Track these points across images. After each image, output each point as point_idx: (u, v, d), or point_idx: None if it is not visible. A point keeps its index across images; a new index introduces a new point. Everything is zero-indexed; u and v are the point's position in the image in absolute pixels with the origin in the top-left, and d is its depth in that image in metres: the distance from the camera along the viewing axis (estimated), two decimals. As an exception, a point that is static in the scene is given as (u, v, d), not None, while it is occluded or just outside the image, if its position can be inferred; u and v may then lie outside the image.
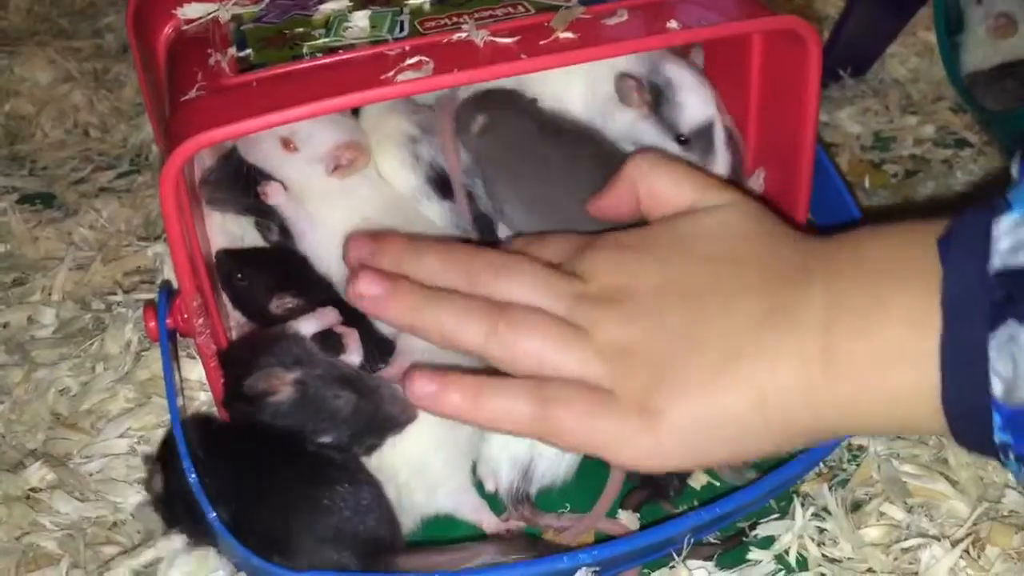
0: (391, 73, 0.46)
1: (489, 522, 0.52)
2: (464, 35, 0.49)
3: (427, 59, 0.47)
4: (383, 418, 0.49)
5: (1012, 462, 0.33)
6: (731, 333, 0.39)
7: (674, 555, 0.49)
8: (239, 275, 0.56)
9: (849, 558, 0.50)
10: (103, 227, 0.77)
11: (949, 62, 0.77)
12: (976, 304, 0.33)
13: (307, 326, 0.52)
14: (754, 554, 0.51)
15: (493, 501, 0.53)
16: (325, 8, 0.55)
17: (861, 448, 0.56)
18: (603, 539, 0.51)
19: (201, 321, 0.50)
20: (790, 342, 0.37)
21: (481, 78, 0.48)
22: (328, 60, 0.49)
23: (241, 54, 0.51)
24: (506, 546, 0.49)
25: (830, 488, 0.52)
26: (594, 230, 0.48)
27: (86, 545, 0.52)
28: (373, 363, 0.52)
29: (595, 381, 0.40)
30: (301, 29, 0.53)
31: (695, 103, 0.56)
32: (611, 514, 0.52)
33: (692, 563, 0.49)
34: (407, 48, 0.49)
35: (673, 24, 0.49)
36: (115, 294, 0.70)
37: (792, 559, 0.50)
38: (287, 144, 0.55)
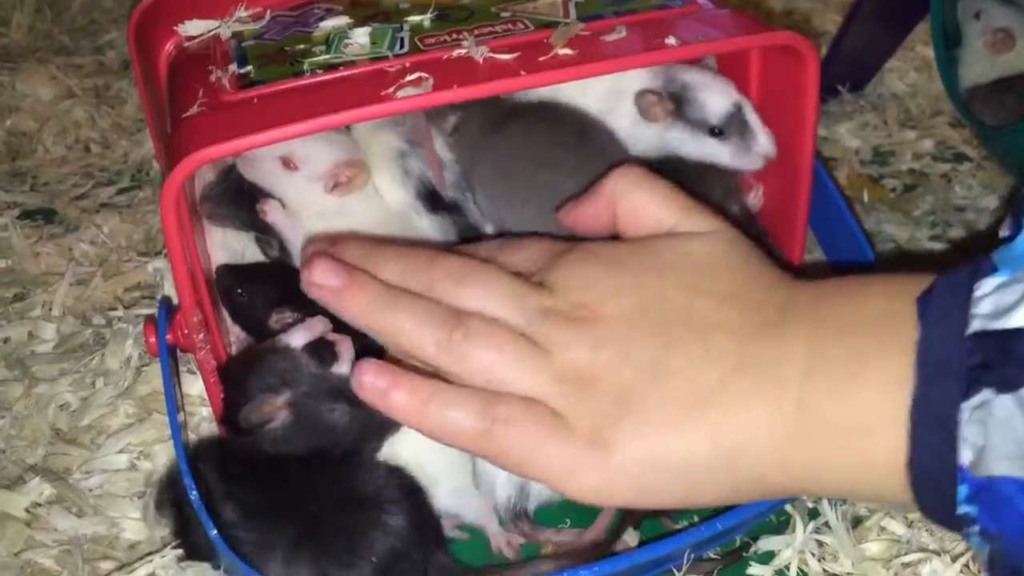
0: (391, 89, 0.47)
1: (493, 529, 0.52)
2: (464, 51, 0.50)
3: (427, 75, 0.47)
4: (381, 421, 0.49)
5: (975, 536, 0.32)
6: (701, 373, 0.36)
7: (674, 571, 0.49)
8: (239, 290, 0.56)
9: (849, 573, 0.50)
10: (104, 242, 0.77)
11: (947, 77, 0.78)
12: (951, 368, 0.31)
13: (297, 338, 0.51)
14: (754, 569, 0.50)
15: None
16: (326, 25, 0.55)
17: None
18: (604, 555, 0.50)
19: (201, 336, 0.51)
20: (764, 393, 0.35)
21: (481, 94, 0.48)
22: (329, 77, 0.49)
23: (242, 71, 0.51)
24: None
25: (830, 503, 0.52)
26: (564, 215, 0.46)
27: (84, 561, 0.52)
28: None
29: (549, 404, 0.37)
30: (302, 46, 0.53)
31: (716, 93, 0.57)
32: (612, 530, 0.52)
33: (693, 578, 0.49)
34: (407, 64, 0.49)
35: (671, 40, 0.50)
36: (116, 309, 0.70)
37: (792, 574, 0.50)
38: (287, 163, 0.56)
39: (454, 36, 0.52)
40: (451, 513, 0.53)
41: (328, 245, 0.43)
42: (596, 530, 0.52)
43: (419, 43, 0.52)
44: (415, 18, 0.55)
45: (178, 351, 0.56)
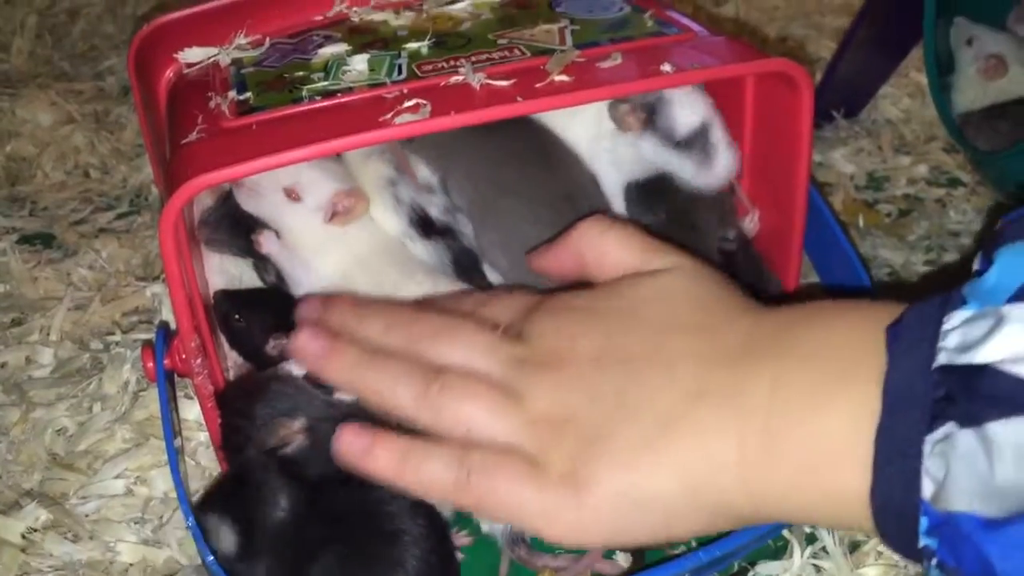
0: (389, 115, 0.47)
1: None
2: (461, 78, 0.50)
3: (424, 102, 0.48)
4: None
5: (935, 569, 0.31)
6: (668, 404, 0.37)
7: (672, 596, 0.49)
8: (236, 316, 0.56)
9: (848, 598, 0.50)
10: (102, 267, 0.78)
11: (940, 103, 0.78)
12: (916, 400, 0.31)
13: (300, 366, 0.51)
14: (753, 595, 0.50)
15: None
16: (324, 52, 0.56)
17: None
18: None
19: (199, 361, 0.51)
20: (729, 423, 0.35)
21: (478, 120, 0.48)
22: (327, 103, 0.50)
23: (241, 97, 0.51)
24: None
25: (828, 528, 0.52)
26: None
27: (80, 587, 0.52)
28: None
29: (525, 451, 0.38)
30: (300, 73, 0.53)
31: (686, 109, 0.58)
32: (608, 555, 0.52)
33: (691, 604, 0.49)
34: (405, 91, 0.49)
35: (667, 67, 0.50)
36: (113, 334, 0.70)
37: (791, 599, 0.50)
38: (291, 194, 0.56)
39: (451, 63, 0.52)
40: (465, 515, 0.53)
41: (318, 306, 0.45)
42: (593, 555, 0.51)
43: (417, 70, 0.52)
44: (413, 45, 0.55)
45: (176, 376, 0.56)
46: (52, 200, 0.88)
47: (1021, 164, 0.70)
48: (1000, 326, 0.30)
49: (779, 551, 0.52)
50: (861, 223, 0.80)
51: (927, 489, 0.31)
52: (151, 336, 0.69)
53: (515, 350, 0.41)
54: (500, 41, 0.55)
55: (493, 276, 0.59)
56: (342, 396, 0.51)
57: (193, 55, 0.57)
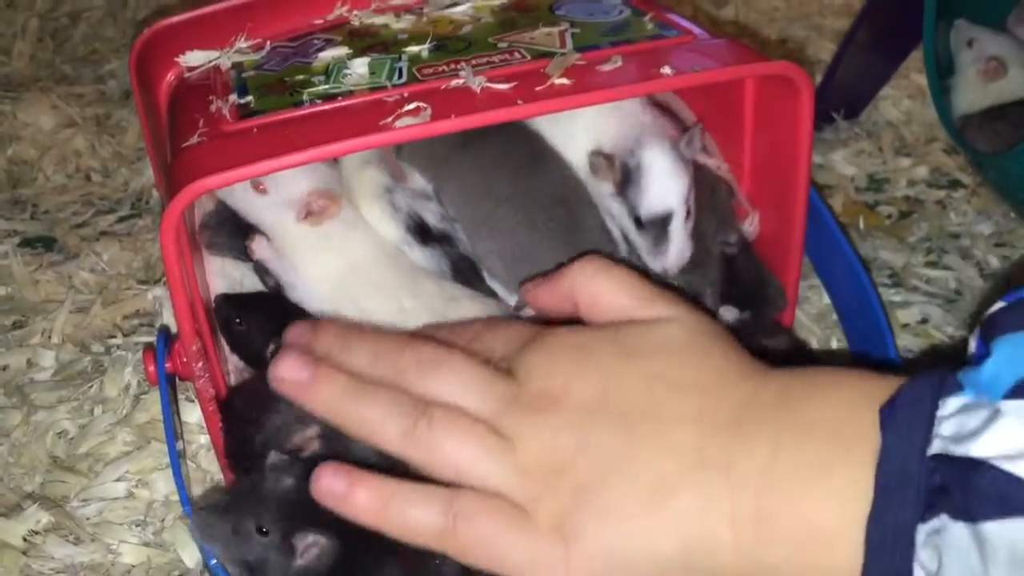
0: (390, 119, 0.47)
1: None
2: (461, 81, 0.50)
3: (425, 105, 0.48)
4: None
5: None
6: (662, 468, 0.36)
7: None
8: (237, 320, 0.56)
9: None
10: (103, 270, 0.78)
11: (940, 105, 0.78)
12: (910, 487, 0.31)
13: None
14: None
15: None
16: (325, 56, 0.56)
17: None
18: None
19: (200, 365, 0.51)
20: (724, 493, 0.35)
21: (478, 123, 0.48)
22: (328, 107, 0.50)
23: (242, 101, 0.51)
24: None
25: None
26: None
27: (81, 590, 0.52)
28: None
29: (512, 497, 0.37)
30: (301, 76, 0.53)
31: (657, 192, 0.56)
32: None
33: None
34: (405, 94, 0.50)
35: (667, 70, 0.50)
36: (115, 337, 0.71)
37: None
38: (256, 186, 0.56)
39: (452, 66, 0.52)
40: None
41: (307, 330, 0.44)
42: None
43: (417, 73, 0.52)
44: (413, 48, 0.55)
45: (177, 379, 0.56)
46: (53, 203, 0.88)
47: (1021, 166, 0.70)
48: (996, 420, 0.30)
49: None
50: (861, 225, 0.80)
51: None
52: (152, 339, 0.69)
53: (506, 387, 0.39)
54: (500, 44, 0.55)
55: (493, 282, 0.59)
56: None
57: (194, 59, 0.57)
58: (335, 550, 0.45)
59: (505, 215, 0.56)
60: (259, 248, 0.57)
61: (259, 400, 0.51)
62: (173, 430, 0.53)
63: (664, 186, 0.56)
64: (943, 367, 0.33)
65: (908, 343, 0.68)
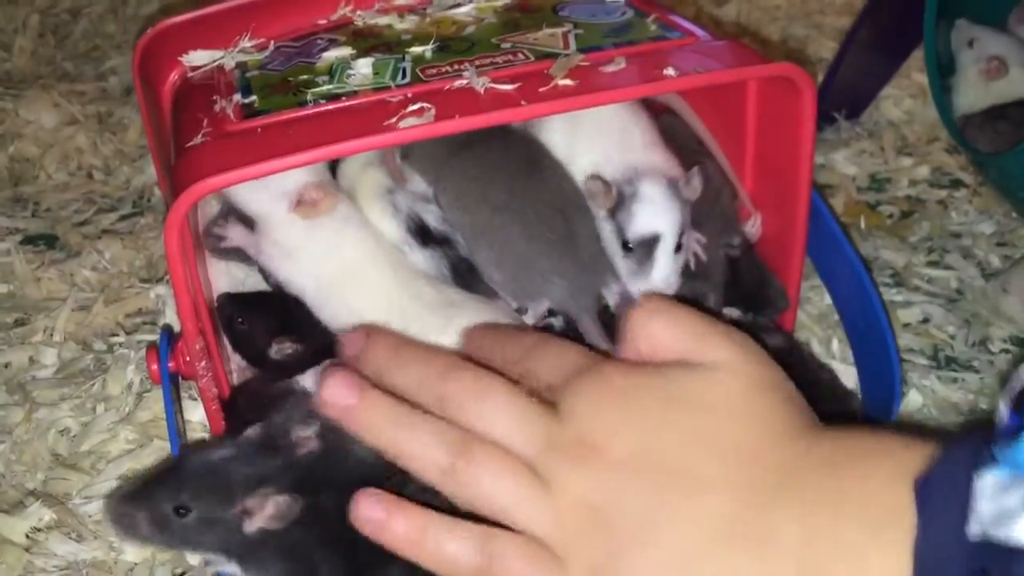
0: (394, 119, 0.47)
1: None
2: (465, 82, 0.50)
3: (429, 105, 0.48)
4: None
5: None
6: (695, 539, 0.35)
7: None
8: (240, 319, 0.56)
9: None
10: (105, 268, 0.78)
11: (941, 104, 0.79)
12: (950, 570, 0.30)
13: (312, 381, 0.51)
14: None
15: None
16: (329, 56, 0.56)
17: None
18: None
19: (203, 364, 0.51)
20: (757, 568, 0.34)
21: (482, 124, 0.48)
22: (331, 107, 0.50)
23: (246, 101, 0.52)
24: None
25: None
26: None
27: (83, 587, 0.52)
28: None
29: (547, 542, 0.37)
30: (305, 76, 0.54)
31: (646, 216, 0.55)
32: None
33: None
34: (409, 95, 0.50)
35: (670, 71, 0.50)
36: (117, 335, 0.71)
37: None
38: None
39: (455, 67, 0.53)
40: None
41: (362, 338, 0.44)
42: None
43: (421, 74, 0.52)
44: (417, 49, 0.56)
45: (180, 378, 0.56)
46: (55, 201, 0.88)
47: (1022, 165, 0.70)
48: None
49: None
50: (863, 225, 0.80)
51: None
52: (154, 337, 0.69)
53: (548, 427, 0.39)
54: (504, 45, 0.55)
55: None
56: None
57: (197, 58, 0.57)
58: (293, 504, 0.45)
59: (502, 224, 0.56)
60: (234, 234, 0.57)
61: (262, 399, 0.51)
62: (176, 429, 0.54)
63: (653, 210, 0.56)
64: (975, 433, 0.32)
65: (909, 343, 0.68)
